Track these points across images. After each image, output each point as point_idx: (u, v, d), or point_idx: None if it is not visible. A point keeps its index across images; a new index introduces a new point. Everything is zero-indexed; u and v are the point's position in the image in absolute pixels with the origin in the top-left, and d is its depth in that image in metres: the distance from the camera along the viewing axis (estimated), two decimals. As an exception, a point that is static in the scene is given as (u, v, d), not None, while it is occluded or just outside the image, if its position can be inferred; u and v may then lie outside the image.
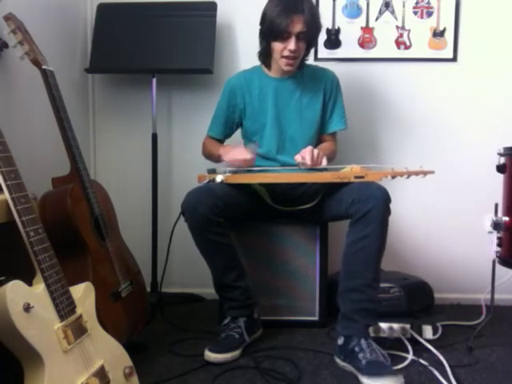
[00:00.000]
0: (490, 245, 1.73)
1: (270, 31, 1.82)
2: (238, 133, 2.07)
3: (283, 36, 1.79)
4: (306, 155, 1.71)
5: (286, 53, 1.82)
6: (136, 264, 1.73)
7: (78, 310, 1.14)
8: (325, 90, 1.97)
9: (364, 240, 1.59)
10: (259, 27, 1.88)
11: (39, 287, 1.05)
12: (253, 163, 1.81)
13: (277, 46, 1.83)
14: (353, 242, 1.62)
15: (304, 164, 1.72)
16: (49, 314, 1.05)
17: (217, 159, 1.97)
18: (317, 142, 1.98)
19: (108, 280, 1.50)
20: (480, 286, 2.07)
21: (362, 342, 1.57)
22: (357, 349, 1.56)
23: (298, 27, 1.78)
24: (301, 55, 1.88)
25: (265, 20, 1.83)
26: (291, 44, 1.79)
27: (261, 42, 1.91)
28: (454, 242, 2.29)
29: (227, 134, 2.06)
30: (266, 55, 1.92)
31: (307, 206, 1.86)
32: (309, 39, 1.85)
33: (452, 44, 2.25)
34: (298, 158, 1.75)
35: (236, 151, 1.81)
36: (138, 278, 1.70)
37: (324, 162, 1.74)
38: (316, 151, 1.73)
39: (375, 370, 1.48)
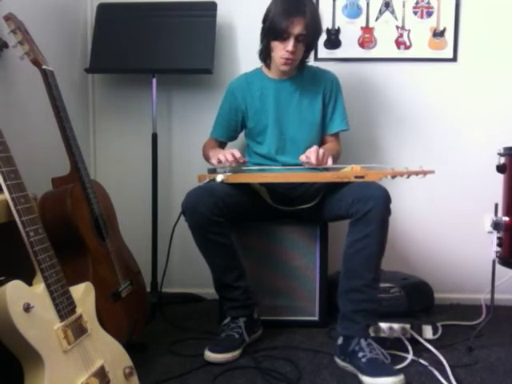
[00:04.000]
0: (490, 245, 1.73)
1: (270, 30, 1.83)
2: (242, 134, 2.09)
3: (283, 36, 1.80)
4: (311, 155, 1.71)
5: (284, 54, 1.82)
6: (136, 264, 1.73)
7: (78, 310, 1.14)
8: (324, 91, 1.97)
9: (364, 240, 1.59)
10: (261, 25, 1.89)
11: (39, 287, 1.05)
12: (241, 161, 1.79)
13: (276, 45, 1.83)
14: (353, 242, 1.62)
15: (309, 164, 1.72)
16: (49, 314, 1.05)
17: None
18: (319, 142, 1.97)
19: (108, 280, 1.50)
20: (480, 285, 2.07)
21: (362, 342, 1.57)
22: (357, 348, 1.56)
23: (297, 29, 1.78)
24: (298, 57, 1.87)
25: (267, 18, 1.84)
26: (289, 45, 1.79)
27: (261, 40, 1.92)
28: (454, 241, 2.29)
29: (231, 136, 2.07)
30: (266, 54, 1.93)
31: (307, 205, 1.86)
32: (308, 42, 1.85)
33: (452, 44, 2.25)
34: (302, 157, 1.75)
35: (223, 152, 1.80)
36: (137, 277, 1.70)
37: (329, 162, 1.73)
38: (321, 151, 1.72)
39: (376, 369, 1.48)
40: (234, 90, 2.00)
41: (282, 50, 1.82)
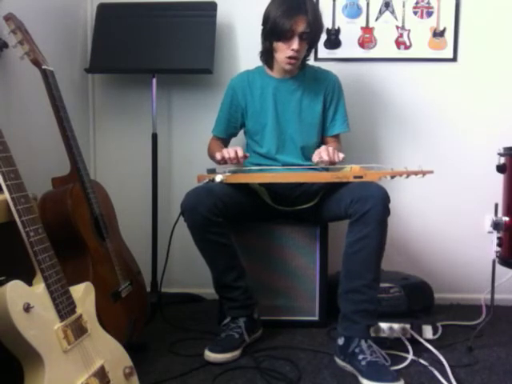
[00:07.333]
0: (490, 245, 1.73)
1: (273, 31, 1.82)
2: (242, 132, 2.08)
3: (286, 36, 1.80)
4: (322, 154, 1.71)
5: (288, 53, 1.82)
6: (136, 264, 1.74)
7: (78, 310, 1.14)
8: (326, 92, 1.97)
9: (363, 240, 1.59)
10: (261, 27, 1.89)
11: (39, 287, 1.05)
12: (242, 161, 1.79)
13: (280, 46, 1.83)
14: (352, 243, 1.62)
15: (322, 162, 1.72)
16: (49, 314, 1.05)
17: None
18: (318, 142, 1.97)
19: (108, 280, 1.50)
20: (480, 286, 2.07)
21: (363, 343, 1.57)
22: (357, 350, 1.56)
23: (301, 27, 1.78)
24: (302, 55, 1.88)
25: (268, 20, 1.83)
26: (294, 44, 1.79)
27: (263, 42, 1.91)
28: (454, 241, 2.29)
29: (231, 132, 2.06)
30: (267, 55, 1.93)
31: (307, 205, 1.86)
32: (311, 39, 1.85)
33: (452, 44, 2.25)
34: (315, 158, 1.75)
35: (227, 149, 1.80)
36: (137, 277, 1.70)
37: (341, 156, 1.72)
38: (331, 148, 1.72)
39: (376, 373, 1.48)
40: (235, 87, 2.00)
41: (286, 50, 1.82)
